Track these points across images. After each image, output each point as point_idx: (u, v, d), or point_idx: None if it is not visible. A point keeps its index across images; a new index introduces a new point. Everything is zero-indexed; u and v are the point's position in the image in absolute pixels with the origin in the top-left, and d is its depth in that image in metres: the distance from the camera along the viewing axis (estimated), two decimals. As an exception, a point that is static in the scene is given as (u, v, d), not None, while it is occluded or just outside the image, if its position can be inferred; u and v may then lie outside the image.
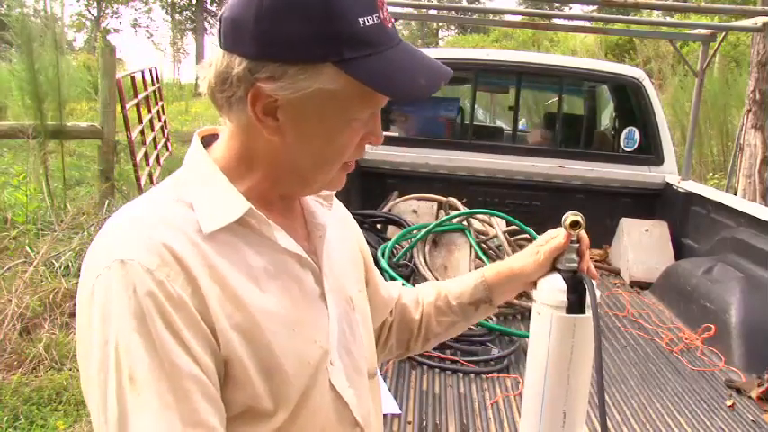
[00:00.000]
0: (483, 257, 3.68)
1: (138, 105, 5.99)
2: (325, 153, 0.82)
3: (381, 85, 0.76)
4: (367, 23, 0.75)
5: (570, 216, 1.01)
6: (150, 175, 6.51)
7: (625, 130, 4.80)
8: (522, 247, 3.95)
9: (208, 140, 0.88)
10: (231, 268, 0.78)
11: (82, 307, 0.75)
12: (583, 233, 1.03)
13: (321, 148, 0.81)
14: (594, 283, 0.99)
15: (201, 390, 0.72)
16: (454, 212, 3.91)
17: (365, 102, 0.79)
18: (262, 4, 0.74)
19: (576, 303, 0.97)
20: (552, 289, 1.00)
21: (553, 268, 1.04)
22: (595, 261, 4.54)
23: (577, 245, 1.02)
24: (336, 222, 1.01)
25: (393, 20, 0.81)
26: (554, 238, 1.04)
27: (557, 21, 6.38)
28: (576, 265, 1.01)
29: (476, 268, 3.61)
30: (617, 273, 4.37)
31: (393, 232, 3.88)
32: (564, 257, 1.03)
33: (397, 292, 1.19)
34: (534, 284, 1.05)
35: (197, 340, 0.73)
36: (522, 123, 6.44)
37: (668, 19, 9.95)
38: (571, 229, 1.01)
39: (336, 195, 1.09)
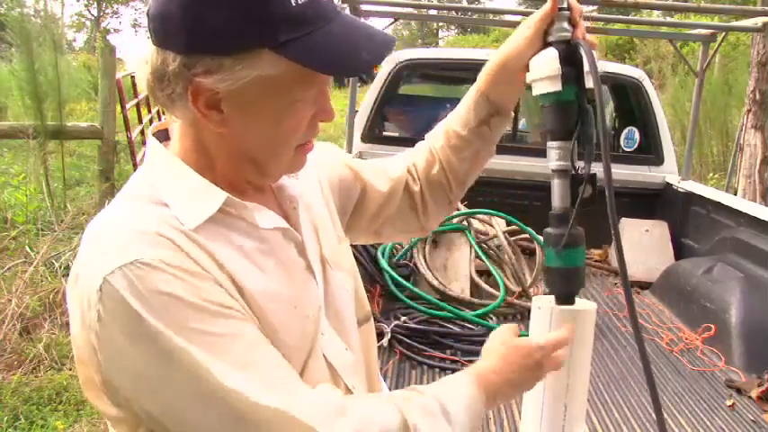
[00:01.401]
0: (483, 257, 3.68)
1: (138, 105, 5.97)
2: (275, 138, 0.80)
3: (322, 64, 0.74)
4: (299, 2, 0.73)
5: None
6: (150, 175, 6.48)
7: (625, 130, 4.79)
8: (522, 247, 3.96)
9: (161, 137, 0.86)
10: (227, 254, 0.77)
11: (90, 326, 0.71)
12: (573, 0, 0.93)
13: (269, 133, 0.79)
14: (595, 53, 0.88)
15: (261, 338, 0.75)
16: (454, 212, 3.90)
17: (308, 82, 0.77)
18: None
19: (572, 75, 0.88)
20: (544, 61, 0.91)
21: (545, 44, 0.94)
22: (595, 261, 4.54)
23: (568, 12, 0.93)
24: (306, 175, 0.97)
25: None
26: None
27: (557, 21, 6.38)
28: (569, 34, 0.91)
29: (476, 268, 3.64)
30: (617, 273, 4.36)
31: (393, 232, 3.87)
32: (554, 28, 0.93)
33: (402, 165, 1.14)
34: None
35: (231, 296, 0.74)
36: (522, 123, 6.43)
37: (668, 19, 9.94)
38: None
39: None
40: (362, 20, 0.83)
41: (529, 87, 0.97)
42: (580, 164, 0.88)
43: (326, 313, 0.90)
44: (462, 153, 1.10)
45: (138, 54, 0.78)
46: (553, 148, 0.88)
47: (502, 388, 0.87)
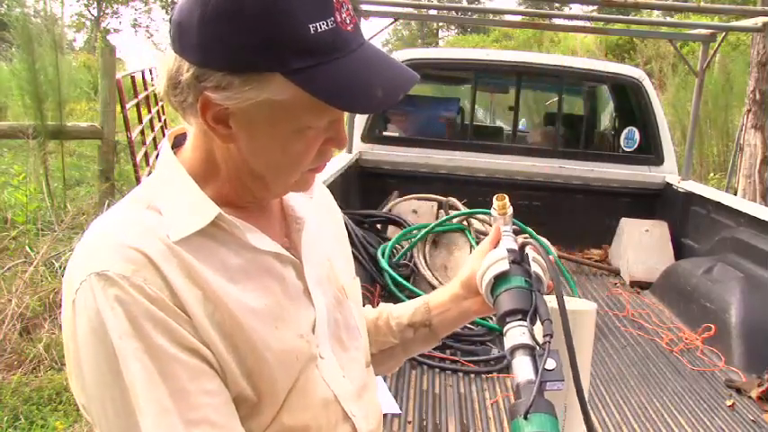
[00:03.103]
0: (483, 257, 3.68)
1: (138, 105, 5.96)
2: (281, 162, 0.79)
3: (331, 97, 0.72)
4: (319, 30, 0.70)
5: (495, 200, 1.04)
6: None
7: (625, 130, 4.80)
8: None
9: (180, 140, 0.87)
10: (208, 269, 0.77)
11: (67, 325, 0.75)
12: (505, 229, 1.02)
13: (276, 156, 0.78)
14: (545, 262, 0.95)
15: (201, 387, 0.73)
16: (454, 212, 3.91)
17: (319, 112, 0.75)
18: (206, 9, 0.71)
19: (521, 269, 0.93)
20: (494, 252, 0.96)
21: None
22: (595, 261, 4.54)
23: (509, 230, 1.01)
24: (322, 211, 0.99)
25: (355, 21, 0.76)
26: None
27: (557, 21, 6.38)
28: (515, 245, 0.98)
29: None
30: (617, 273, 4.37)
31: (393, 232, 3.88)
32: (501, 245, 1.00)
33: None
34: (480, 310, 1.03)
35: (189, 332, 0.74)
36: (522, 123, 6.44)
37: (668, 19, 9.95)
38: (500, 211, 1.02)
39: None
40: (386, 54, 0.81)
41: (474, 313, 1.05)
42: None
43: (331, 338, 0.90)
44: (377, 337, 1.09)
45: (161, 55, 0.78)
46: (511, 327, 0.86)
47: None
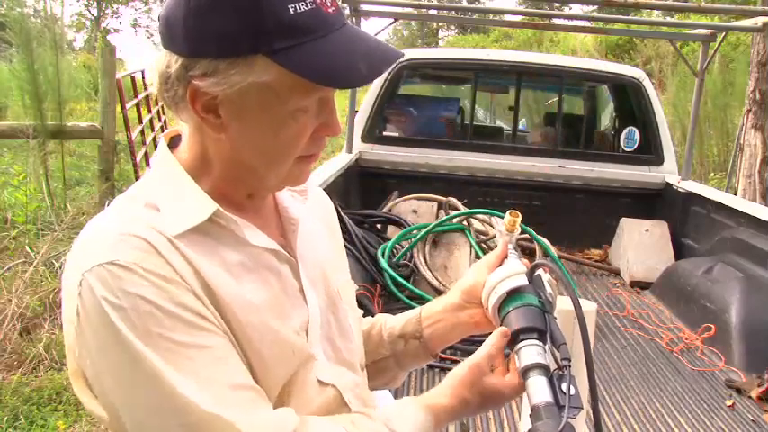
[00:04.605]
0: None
1: (138, 105, 5.95)
2: (273, 148, 0.79)
3: (314, 73, 0.73)
4: (299, 10, 0.73)
5: (507, 215, 1.01)
6: (150, 175, 6.45)
7: (625, 130, 4.80)
8: (522, 247, 3.95)
9: (176, 142, 0.87)
10: (207, 263, 0.78)
11: (71, 323, 0.74)
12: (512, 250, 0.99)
13: (267, 142, 0.79)
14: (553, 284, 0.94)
15: (234, 356, 0.75)
16: (454, 212, 3.91)
17: (306, 92, 0.76)
18: (189, 1, 0.73)
19: (533, 288, 0.92)
20: (506, 264, 0.95)
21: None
22: (595, 261, 4.54)
23: (513, 249, 0.99)
24: (317, 214, 0.99)
25: (336, 4, 0.78)
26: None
27: (557, 21, 6.38)
28: (524, 266, 0.96)
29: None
30: (617, 273, 4.37)
31: (393, 232, 3.88)
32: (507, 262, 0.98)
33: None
34: (479, 323, 1.01)
35: (205, 307, 0.75)
36: (522, 123, 6.43)
37: (668, 19, 9.94)
38: (509, 228, 1.01)
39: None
40: (369, 33, 0.81)
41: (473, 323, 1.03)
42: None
43: (323, 339, 0.90)
44: (369, 346, 1.07)
45: (151, 57, 0.80)
46: (526, 345, 0.85)
47: (454, 418, 0.88)
